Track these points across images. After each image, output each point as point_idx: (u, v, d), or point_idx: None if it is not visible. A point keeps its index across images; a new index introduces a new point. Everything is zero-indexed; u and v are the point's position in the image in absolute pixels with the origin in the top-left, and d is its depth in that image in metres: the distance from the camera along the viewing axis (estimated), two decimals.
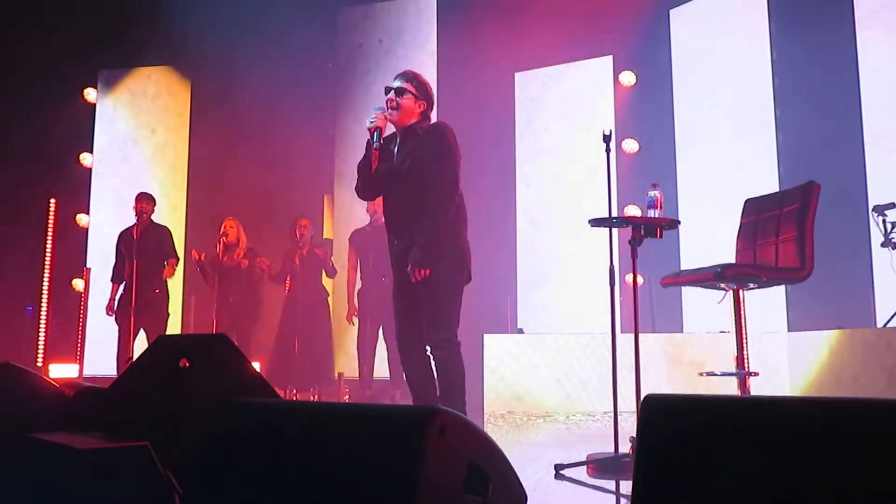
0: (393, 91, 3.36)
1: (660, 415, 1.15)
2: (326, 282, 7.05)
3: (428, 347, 3.26)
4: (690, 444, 1.11)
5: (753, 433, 1.05)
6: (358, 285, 6.64)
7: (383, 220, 3.73)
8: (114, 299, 6.25)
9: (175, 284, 6.63)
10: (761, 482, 1.01)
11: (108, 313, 6.25)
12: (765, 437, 1.03)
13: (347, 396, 6.59)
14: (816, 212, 3.34)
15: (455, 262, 3.28)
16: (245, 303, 6.51)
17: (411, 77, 3.41)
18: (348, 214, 7.88)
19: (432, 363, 3.28)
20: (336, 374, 7.00)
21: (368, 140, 3.34)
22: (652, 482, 1.13)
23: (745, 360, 3.37)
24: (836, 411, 1.02)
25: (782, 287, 5.85)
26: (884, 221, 5.39)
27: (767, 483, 1.01)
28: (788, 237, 3.35)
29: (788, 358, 5.56)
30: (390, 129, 3.46)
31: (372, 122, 3.31)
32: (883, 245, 5.43)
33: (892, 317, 5.29)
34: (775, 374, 5.49)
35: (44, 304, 7.98)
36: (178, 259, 6.41)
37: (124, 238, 6.31)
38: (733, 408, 1.13)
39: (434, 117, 3.51)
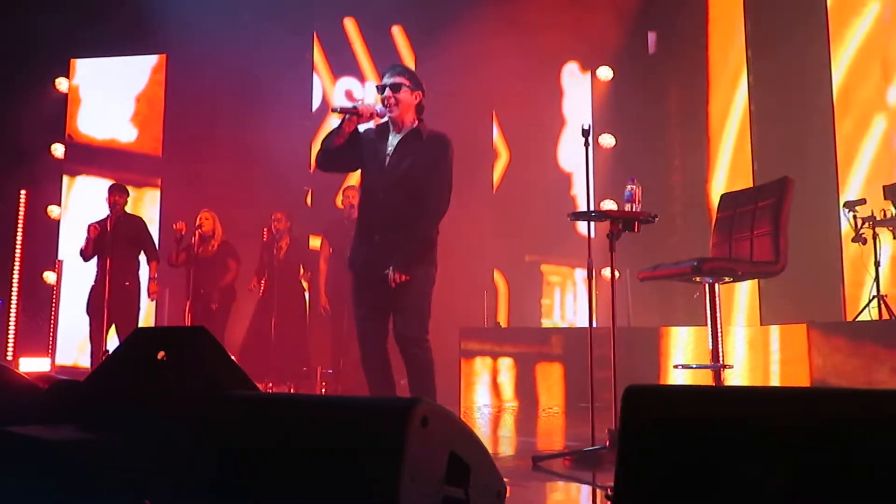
0: (388, 88, 3.28)
1: (641, 405, 1.16)
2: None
3: (399, 344, 3.25)
4: (672, 434, 1.12)
5: (736, 423, 1.07)
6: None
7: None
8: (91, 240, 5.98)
9: (146, 277, 6.51)
10: (743, 471, 1.03)
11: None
12: (747, 426, 1.05)
13: (324, 390, 6.56)
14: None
15: (429, 263, 3.28)
16: (217, 295, 6.45)
17: (402, 70, 3.38)
18: (327, 208, 7.83)
19: (402, 359, 3.27)
20: (309, 368, 6.95)
21: (342, 114, 3.24)
22: (634, 471, 1.14)
23: (720, 353, 3.42)
24: (818, 401, 1.04)
25: (755, 281, 5.93)
26: (854, 217, 5.48)
27: (750, 472, 1.03)
28: (763, 232, 3.39)
29: (761, 350, 5.64)
30: (371, 123, 3.41)
31: (356, 105, 3.23)
32: (854, 240, 5.52)
33: (862, 310, 5.39)
34: (748, 367, 5.57)
35: (14, 297, 7.85)
36: (158, 259, 6.30)
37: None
38: (715, 398, 1.14)
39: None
